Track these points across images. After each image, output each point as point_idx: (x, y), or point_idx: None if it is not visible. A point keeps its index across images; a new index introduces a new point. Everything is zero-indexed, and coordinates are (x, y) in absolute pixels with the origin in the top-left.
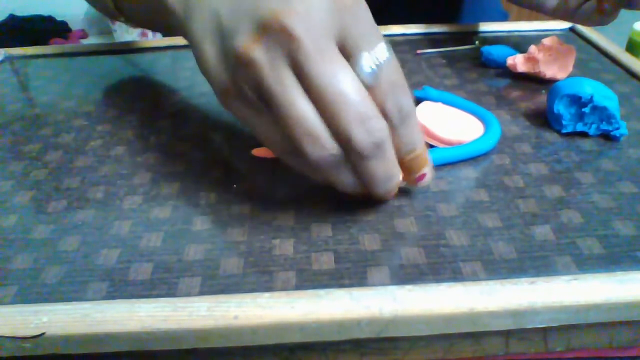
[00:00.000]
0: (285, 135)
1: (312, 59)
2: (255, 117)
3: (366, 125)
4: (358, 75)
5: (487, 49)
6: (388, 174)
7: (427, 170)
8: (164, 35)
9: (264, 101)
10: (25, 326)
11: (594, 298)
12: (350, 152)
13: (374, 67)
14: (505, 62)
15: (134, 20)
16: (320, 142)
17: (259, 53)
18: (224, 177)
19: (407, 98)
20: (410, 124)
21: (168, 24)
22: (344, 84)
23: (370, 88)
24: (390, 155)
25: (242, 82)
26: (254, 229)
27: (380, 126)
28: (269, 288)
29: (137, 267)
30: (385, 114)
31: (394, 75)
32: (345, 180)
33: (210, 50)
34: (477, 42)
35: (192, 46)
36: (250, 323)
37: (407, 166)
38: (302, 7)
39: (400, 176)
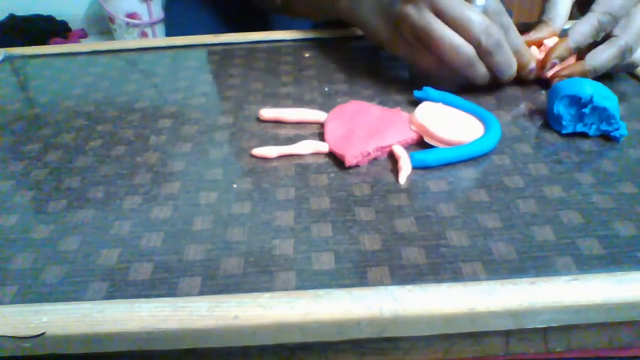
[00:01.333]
0: (435, 55)
1: (446, 4)
2: (413, 52)
3: (488, 31)
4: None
5: None
6: (508, 63)
7: (533, 65)
8: (314, 19)
9: (418, 39)
10: (25, 326)
11: (594, 298)
12: (481, 51)
13: (483, 3)
14: None
15: (292, 12)
16: (461, 50)
17: (410, 9)
18: (224, 177)
19: (506, 18)
20: (512, 33)
21: (331, 14)
22: (470, 12)
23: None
24: (507, 50)
25: (403, 31)
26: (254, 229)
27: (496, 30)
28: (269, 288)
29: (137, 267)
30: None
31: (496, 6)
32: (479, 72)
33: (376, 21)
34: None
35: (361, 23)
36: (250, 323)
37: (519, 62)
38: None
39: (515, 67)
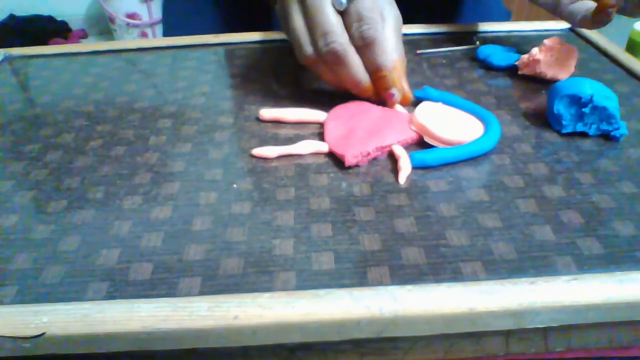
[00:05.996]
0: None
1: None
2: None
3: (325, 38)
4: (333, 5)
5: (486, 49)
6: (353, 79)
7: (395, 92)
8: None
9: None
10: (25, 326)
11: (594, 298)
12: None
13: (344, 2)
14: (503, 62)
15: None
16: (303, 48)
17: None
18: (223, 177)
19: (369, 29)
20: (373, 49)
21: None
22: (320, 9)
23: (342, 15)
24: (353, 65)
25: None
26: (254, 229)
27: (334, 40)
28: (269, 288)
29: (137, 267)
30: (351, 37)
31: (363, 11)
32: (326, 76)
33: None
34: (477, 42)
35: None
36: (250, 323)
37: (377, 83)
38: None
39: (367, 84)
